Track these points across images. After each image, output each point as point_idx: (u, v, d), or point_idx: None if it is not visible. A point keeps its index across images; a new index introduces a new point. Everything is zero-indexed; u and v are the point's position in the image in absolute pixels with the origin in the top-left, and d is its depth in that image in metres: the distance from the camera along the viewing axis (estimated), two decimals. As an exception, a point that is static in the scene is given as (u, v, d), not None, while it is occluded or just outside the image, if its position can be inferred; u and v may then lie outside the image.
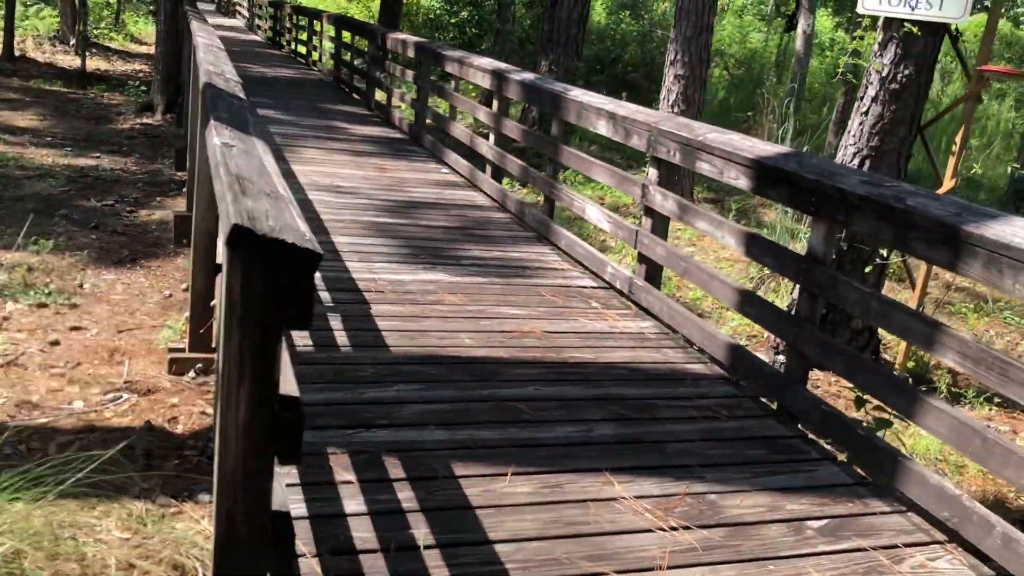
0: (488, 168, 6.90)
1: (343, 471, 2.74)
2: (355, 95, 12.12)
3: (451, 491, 2.72)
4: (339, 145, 8.33)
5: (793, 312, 3.65)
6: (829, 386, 5.08)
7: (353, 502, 2.59)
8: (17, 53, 15.80)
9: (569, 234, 5.47)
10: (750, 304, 3.77)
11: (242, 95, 3.39)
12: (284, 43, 18.88)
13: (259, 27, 23.04)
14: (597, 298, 4.70)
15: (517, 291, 4.66)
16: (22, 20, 19.60)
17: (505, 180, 7.63)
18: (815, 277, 3.33)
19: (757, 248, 3.73)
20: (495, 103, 6.84)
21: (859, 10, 4.87)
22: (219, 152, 2.15)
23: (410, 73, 9.40)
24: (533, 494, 2.75)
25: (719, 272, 4.28)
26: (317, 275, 4.43)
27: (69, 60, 16.58)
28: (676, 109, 8.89)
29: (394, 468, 2.79)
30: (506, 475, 2.83)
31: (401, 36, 9.93)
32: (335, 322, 3.90)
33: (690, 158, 4.15)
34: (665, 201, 4.39)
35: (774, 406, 3.60)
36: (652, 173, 4.54)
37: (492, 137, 6.83)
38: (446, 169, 7.72)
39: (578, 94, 5.43)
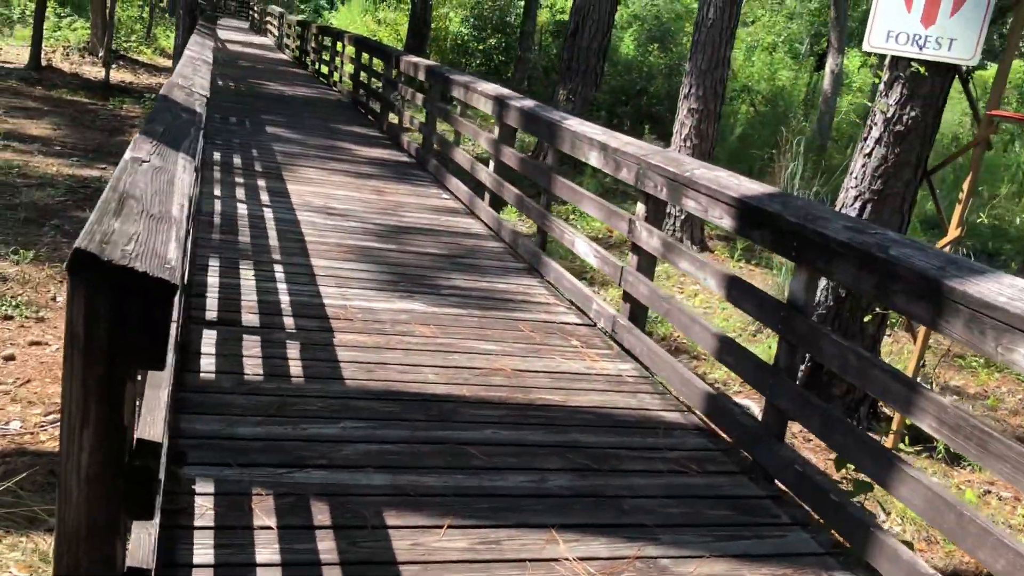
0: (487, 195, 6.74)
1: (264, 515, 2.54)
2: (370, 116, 12.05)
3: (378, 543, 2.51)
4: (342, 166, 8.21)
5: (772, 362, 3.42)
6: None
7: (268, 551, 2.39)
8: (44, 63, 15.94)
9: (558, 267, 5.28)
10: (729, 351, 3.55)
11: (200, 109, 3.24)
12: (309, 63, 18.96)
13: (287, 46, 23.22)
14: (578, 336, 4.49)
15: (495, 325, 4.46)
16: (54, 31, 19.87)
17: (511, 210, 7.48)
18: (794, 326, 3.11)
19: (737, 292, 3.51)
20: (496, 129, 6.69)
21: (865, 47, 4.66)
22: (120, 167, 1.99)
23: (420, 96, 9.29)
24: (467, 550, 2.54)
25: (699, 315, 4.06)
26: (284, 298, 4.28)
27: (95, 72, 16.70)
28: (689, 143, 8.70)
29: (321, 514, 2.59)
30: (442, 527, 2.63)
31: (413, 59, 9.85)
32: (292, 351, 3.72)
33: (676, 194, 3.95)
34: (651, 238, 4.19)
35: (750, 461, 3.36)
36: (640, 208, 4.35)
37: (492, 164, 6.67)
38: (447, 195, 7.57)
39: (573, 123, 5.26)
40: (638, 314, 4.36)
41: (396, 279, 4.93)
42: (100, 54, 18.04)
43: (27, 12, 24.15)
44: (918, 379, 4.53)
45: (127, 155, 2.13)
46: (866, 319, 4.72)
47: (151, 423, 1.66)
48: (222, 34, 29.49)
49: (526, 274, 5.48)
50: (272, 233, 5.44)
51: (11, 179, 7.95)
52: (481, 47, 22.77)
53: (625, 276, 4.37)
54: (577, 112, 12.20)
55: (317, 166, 7.98)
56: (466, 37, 23.06)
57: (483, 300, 4.82)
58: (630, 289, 4.32)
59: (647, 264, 4.32)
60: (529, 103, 6.16)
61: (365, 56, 12.88)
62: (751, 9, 25.44)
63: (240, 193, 6.37)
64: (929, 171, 4.77)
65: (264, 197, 6.40)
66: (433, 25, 23.75)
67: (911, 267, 2.57)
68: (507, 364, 3.96)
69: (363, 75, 13.01)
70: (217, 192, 6.28)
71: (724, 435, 3.57)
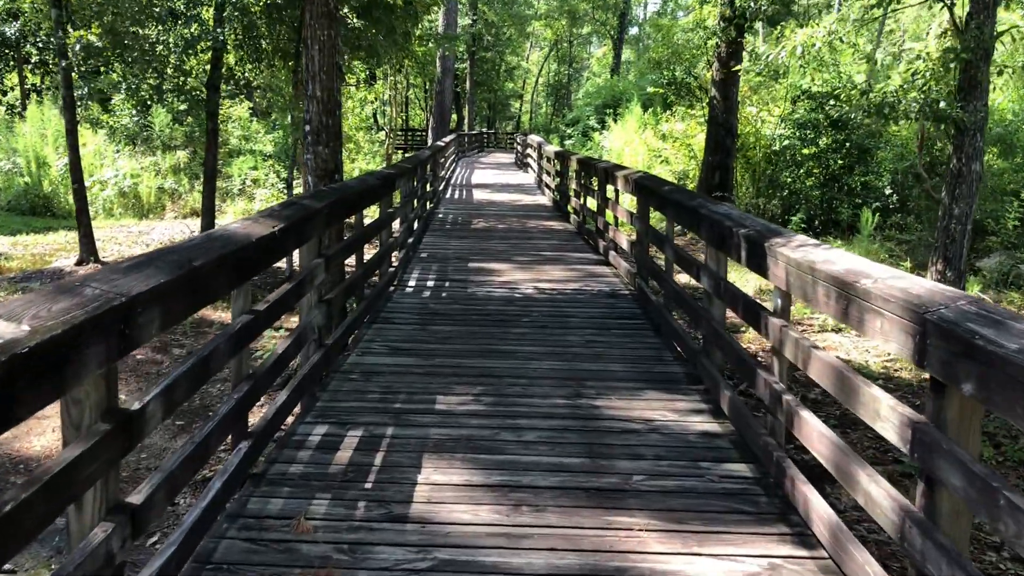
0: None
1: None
2: (668, 340, 5.89)
3: None
4: None
5: None
6: None
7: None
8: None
9: None
10: None
11: None
12: (571, 211, 13.40)
13: (547, 185, 18.00)
14: None
15: None
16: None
17: None
18: None
19: None
20: None
21: None
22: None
23: (776, 322, 2.97)
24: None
25: None
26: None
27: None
28: None
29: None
30: None
31: (791, 250, 3.52)
32: None
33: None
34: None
35: None
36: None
37: None
38: None
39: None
40: None
41: None
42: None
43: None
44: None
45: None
46: None
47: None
48: (477, 175, 25.11)
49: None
50: None
51: None
52: (809, 151, 16.14)
53: None
54: None
55: None
56: (786, 139, 16.50)
57: None
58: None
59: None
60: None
61: (654, 213, 6.86)
62: None
63: None
64: None
65: None
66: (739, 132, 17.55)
67: None
68: None
69: (653, 248, 6.97)
70: None
71: None
